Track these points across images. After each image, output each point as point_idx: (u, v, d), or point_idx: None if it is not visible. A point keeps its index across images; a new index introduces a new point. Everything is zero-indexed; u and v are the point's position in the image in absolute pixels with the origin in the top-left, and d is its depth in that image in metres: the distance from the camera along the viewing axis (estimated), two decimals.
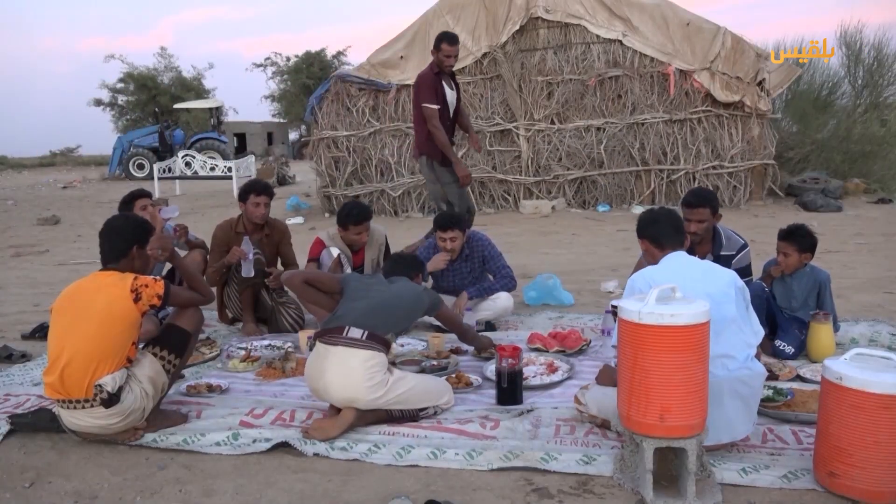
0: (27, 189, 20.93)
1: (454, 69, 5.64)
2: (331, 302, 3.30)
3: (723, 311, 2.54)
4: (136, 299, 2.79)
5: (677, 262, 2.72)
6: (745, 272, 3.93)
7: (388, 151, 11.30)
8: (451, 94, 5.50)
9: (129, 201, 4.46)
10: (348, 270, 4.47)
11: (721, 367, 2.53)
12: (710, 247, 3.93)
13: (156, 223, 3.28)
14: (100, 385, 2.71)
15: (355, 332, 2.92)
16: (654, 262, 2.81)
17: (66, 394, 2.76)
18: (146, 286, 2.82)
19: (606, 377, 2.97)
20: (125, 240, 2.93)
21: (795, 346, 3.75)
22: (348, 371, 2.85)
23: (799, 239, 3.81)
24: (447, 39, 5.36)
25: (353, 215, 4.49)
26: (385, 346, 2.97)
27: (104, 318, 2.75)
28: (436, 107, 5.35)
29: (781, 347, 3.76)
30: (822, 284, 3.85)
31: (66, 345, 2.76)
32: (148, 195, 4.58)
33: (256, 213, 4.53)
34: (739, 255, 3.89)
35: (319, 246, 4.57)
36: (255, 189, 4.55)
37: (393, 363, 3.65)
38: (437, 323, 4.01)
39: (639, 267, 4.11)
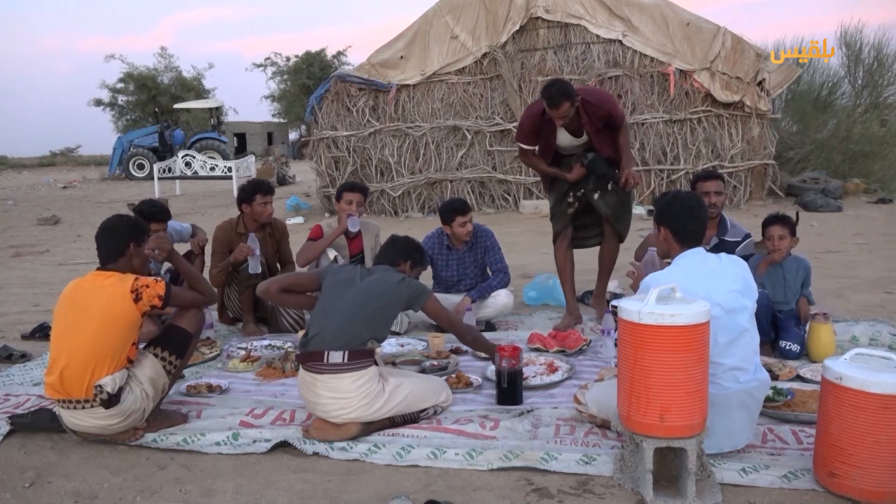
0: (27, 189, 20.93)
1: None
2: (312, 301, 3.18)
3: (738, 321, 2.53)
4: (137, 300, 2.79)
5: (694, 264, 2.62)
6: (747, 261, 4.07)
7: (388, 151, 11.31)
8: (566, 138, 4.42)
9: (146, 214, 4.18)
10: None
11: (733, 380, 2.53)
12: (716, 230, 4.11)
13: (165, 244, 3.24)
14: (100, 386, 2.71)
15: (336, 357, 2.80)
16: (669, 254, 2.74)
17: (65, 394, 2.76)
18: (147, 286, 2.82)
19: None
20: (121, 238, 2.92)
21: (799, 342, 3.77)
22: (342, 396, 2.80)
23: (789, 221, 3.93)
24: (546, 101, 4.13)
25: (348, 184, 4.81)
26: (369, 356, 2.89)
27: (104, 319, 2.75)
28: (527, 147, 4.52)
29: (788, 347, 3.76)
30: (809, 269, 3.99)
31: (66, 345, 2.76)
32: (164, 219, 4.37)
33: (266, 212, 4.60)
34: (745, 243, 4.10)
35: (319, 230, 4.68)
36: (262, 189, 4.59)
37: (393, 363, 3.65)
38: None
39: (644, 247, 4.15)
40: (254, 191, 4.56)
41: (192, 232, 4.74)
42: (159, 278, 2.92)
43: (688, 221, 2.68)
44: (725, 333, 2.49)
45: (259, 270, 4.43)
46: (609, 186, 4.42)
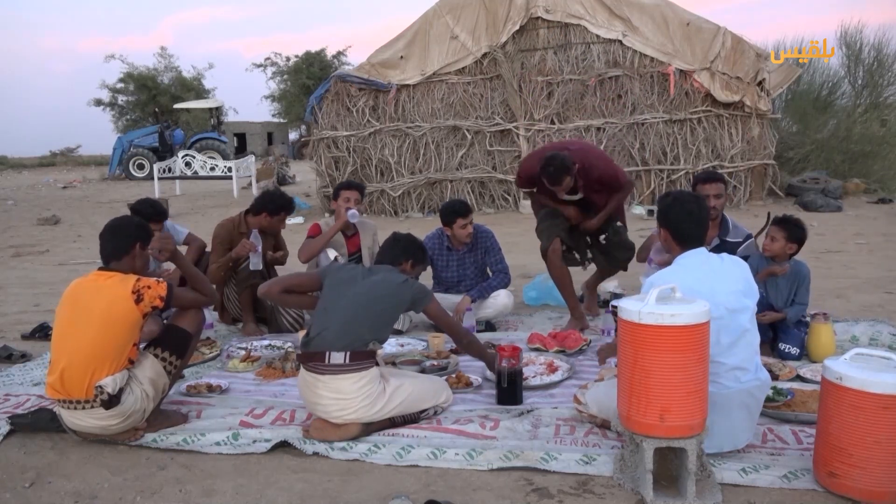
0: (27, 189, 20.93)
1: None
2: (313, 300, 3.17)
3: (739, 321, 2.53)
4: (138, 301, 2.79)
5: (696, 264, 2.62)
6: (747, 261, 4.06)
7: (388, 151, 11.31)
8: (564, 195, 4.50)
9: (143, 214, 4.23)
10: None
11: (734, 380, 2.54)
12: (718, 231, 4.10)
13: (168, 244, 3.28)
14: (100, 386, 2.71)
15: (337, 357, 2.79)
16: (671, 254, 2.76)
17: (66, 394, 2.76)
18: (148, 287, 2.82)
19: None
20: (127, 237, 2.92)
21: (798, 345, 3.75)
22: (343, 397, 2.79)
23: (791, 227, 3.83)
24: (547, 179, 4.29)
25: (345, 182, 4.88)
26: (370, 357, 2.89)
27: (105, 320, 2.75)
28: (528, 189, 4.79)
29: (787, 350, 3.76)
30: (804, 277, 3.86)
31: (67, 345, 2.76)
32: (160, 220, 4.44)
33: (281, 227, 4.75)
34: (746, 244, 4.08)
35: (317, 229, 4.69)
36: (289, 209, 4.75)
37: (393, 363, 3.65)
38: None
39: (647, 247, 4.14)
40: (285, 207, 4.69)
41: (186, 238, 4.79)
42: (161, 279, 2.92)
43: (687, 224, 2.69)
44: (727, 333, 2.49)
45: (260, 267, 4.47)
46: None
